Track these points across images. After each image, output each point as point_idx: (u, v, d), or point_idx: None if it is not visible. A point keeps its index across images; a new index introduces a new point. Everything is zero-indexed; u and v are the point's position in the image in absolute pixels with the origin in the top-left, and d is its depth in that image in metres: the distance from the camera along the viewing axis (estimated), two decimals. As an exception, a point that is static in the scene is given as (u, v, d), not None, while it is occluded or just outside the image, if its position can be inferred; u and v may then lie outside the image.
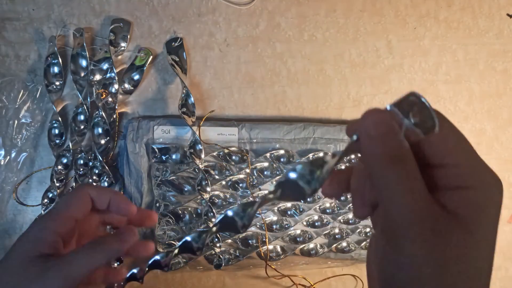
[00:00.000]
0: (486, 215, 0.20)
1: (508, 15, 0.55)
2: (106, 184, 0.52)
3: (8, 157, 0.53)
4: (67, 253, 0.31)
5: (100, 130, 0.51)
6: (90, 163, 0.52)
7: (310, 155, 0.52)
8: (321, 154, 0.52)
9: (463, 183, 0.21)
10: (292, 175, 0.23)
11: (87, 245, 0.31)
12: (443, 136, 0.21)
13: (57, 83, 0.52)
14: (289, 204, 0.53)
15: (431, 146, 0.21)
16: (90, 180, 0.52)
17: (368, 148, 0.21)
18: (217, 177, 0.51)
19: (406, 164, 0.20)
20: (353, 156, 0.53)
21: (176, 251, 0.30)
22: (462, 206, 0.20)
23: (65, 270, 0.30)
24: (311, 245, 0.54)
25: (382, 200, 0.22)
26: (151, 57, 0.53)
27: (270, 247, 0.53)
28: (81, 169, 0.52)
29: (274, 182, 0.52)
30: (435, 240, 0.19)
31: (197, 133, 0.50)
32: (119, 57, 0.53)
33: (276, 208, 0.52)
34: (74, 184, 0.52)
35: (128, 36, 0.52)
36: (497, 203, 0.21)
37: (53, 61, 0.51)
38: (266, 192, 0.52)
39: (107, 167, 0.51)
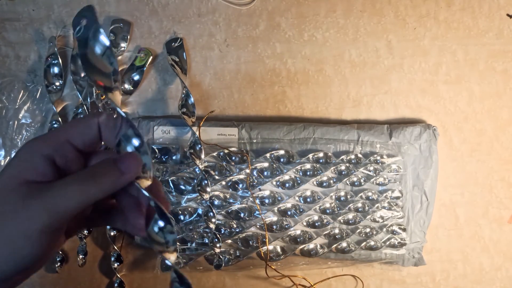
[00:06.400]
0: None
1: (508, 15, 0.55)
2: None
3: (8, 157, 0.53)
4: (55, 182, 0.25)
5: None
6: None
7: (310, 155, 0.52)
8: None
9: None
10: None
11: (79, 174, 0.26)
12: None
13: (57, 83, 0.52)
14: (289, 205, 0.53)
15: None
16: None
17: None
18: (217, 177, 0.51)
19: None
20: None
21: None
22: None
23: (50, 203, 0.24)
24: (311, 246, 0.54)
25: None
26: (151, 57, 0.53)
27: (270, 247, 0.53)
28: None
29: (274, 183, 0.52)
30: None
31: (197, 133, 0.50)
32: (119, 57, 0.53)
33: (276, 208, 0.52)
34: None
35: (128, 37, 0.53)
36: None
37: (53, 61, 0.51)
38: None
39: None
